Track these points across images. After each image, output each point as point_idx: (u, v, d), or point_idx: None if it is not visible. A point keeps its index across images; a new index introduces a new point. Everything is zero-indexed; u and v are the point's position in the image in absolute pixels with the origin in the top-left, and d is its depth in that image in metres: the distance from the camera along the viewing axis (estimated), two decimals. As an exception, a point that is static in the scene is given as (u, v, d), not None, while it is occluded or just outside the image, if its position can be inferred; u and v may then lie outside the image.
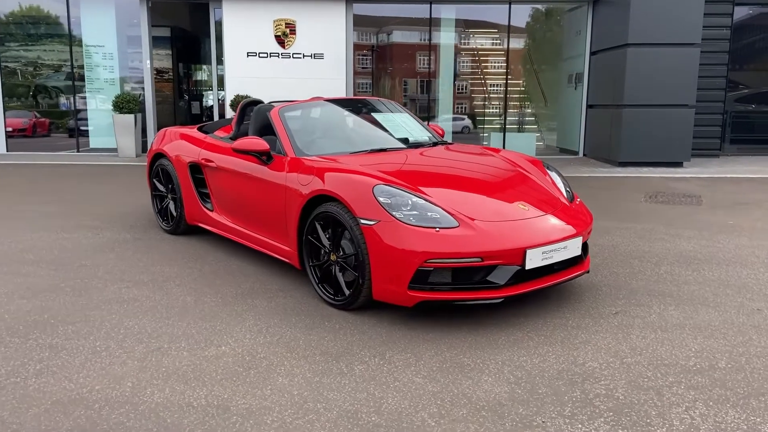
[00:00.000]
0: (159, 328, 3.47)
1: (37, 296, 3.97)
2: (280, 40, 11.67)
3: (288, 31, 11.67)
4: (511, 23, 13.00)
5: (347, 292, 3.67)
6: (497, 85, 15.14)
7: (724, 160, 11.92)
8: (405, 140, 4.77)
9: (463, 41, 14.58)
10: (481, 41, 14.99)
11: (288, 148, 4.28)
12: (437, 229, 3.33)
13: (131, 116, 11.35)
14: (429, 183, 3.77)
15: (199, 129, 5.61)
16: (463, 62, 14.78)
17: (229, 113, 11.65)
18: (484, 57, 15.23)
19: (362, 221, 3.46)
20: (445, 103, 13.99)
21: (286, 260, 4.24)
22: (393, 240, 3.34)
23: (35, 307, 3.78)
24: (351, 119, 4.94)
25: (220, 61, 12.18)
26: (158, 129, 10.97)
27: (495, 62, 15.04)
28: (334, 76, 11.80)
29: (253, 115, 5.09)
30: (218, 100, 13.50)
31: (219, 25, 11.93)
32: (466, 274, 3.36)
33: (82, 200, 7.27)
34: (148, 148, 5.94)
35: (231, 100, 11.41)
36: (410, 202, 3.45)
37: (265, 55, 11.69)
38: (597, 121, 11.99)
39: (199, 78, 26.27)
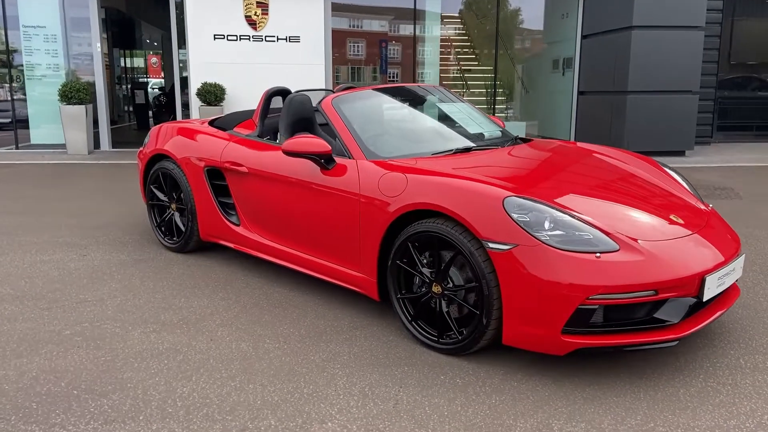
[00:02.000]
0: (227, 396, 2.64)
1: (38, 351, 3.04)
2: (251, 21, 10.66)
3: (260, 11, 10.66)
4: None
5: (460, 334, 2.93)
6: (471, 72, 14.61)
7: (718, 148, 11.76)
8: (480, 136, 4.03)
9: (427, 30, 13.90)
10: (450, 28, 14.37)
11: (355, 149, 3.48)
12: (597, 254, 2.64)
13: (82, 107, 10.11)
14: (552, 192, 3.06)
15: (212, 124, 4.70)
16: (439, 51, 14.11)
17: (195, 103, 10.59)
18: (456, 44, 14.63)
19: (491, 245, 2.72)
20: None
21: (356, 289, 3.46)
22: (539, 270, 2.62)
23: (42, 369, 2.86)
24: (415, 112, 4.16)
25: (180, 44, 11.05)
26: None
27: (466, 49, 14.49)
28: (312, 61, 10.90)
29: (285, 107, 4.24)
30: (177, 89, 12.34)
31: (180, 4, 10.79)
32: (623, 311, 2.68)
33: (46, 209, 6.18)
34: (142, 147, 4.97)
35: (197, 89, 10.33)
36: (552, 219, 2.74)
37: (235, 37, 10.66)
38: (590, 108, 11.58)
39: (138, 65, 24.65)
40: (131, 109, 18.32)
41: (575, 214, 2.80)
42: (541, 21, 14.06)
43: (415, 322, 3.14)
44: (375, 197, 3.22)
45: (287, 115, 4.23)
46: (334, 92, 4.91)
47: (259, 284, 4.02)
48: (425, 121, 4.06)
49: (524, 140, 4.16)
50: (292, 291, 3.90)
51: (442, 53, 13.83)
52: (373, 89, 4.09)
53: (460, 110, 4.27)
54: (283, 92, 4.57)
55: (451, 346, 2.98)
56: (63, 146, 10.48)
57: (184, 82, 17.43)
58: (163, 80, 24.34)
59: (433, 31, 13.44)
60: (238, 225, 4.20)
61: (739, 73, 13.63)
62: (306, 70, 10.83)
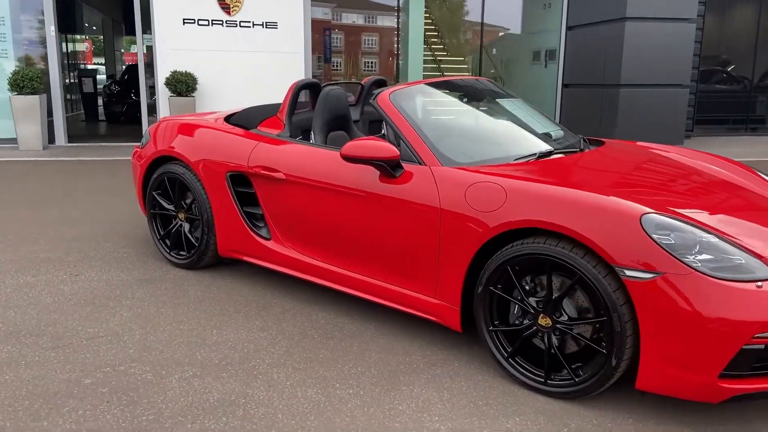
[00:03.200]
0: (321, 468, 2.14)
1: (58, 410, 2.46)
2: (225, 5, 9.94)
3: (233, -6, 9.97)
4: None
5: (576, 375, 2.51)
6: (443, 63, 14.22)
7: (699, 142, 11.75)
8: (547, 136, 3.61)
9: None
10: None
11: (426, 154, 3.00)
12: (759, 284, 2.25)
13: (35, 98, 9.21)
14: (679, 206, 2.67)
15: (228, 121, 4.12)
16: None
17: (164, 94, 9.82)
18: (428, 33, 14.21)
19: (627, 273, 2.30)
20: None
21: (429, 317, 2.99)
22: (693, 303, 2.23)
23: (72, 437, 2.28)
24: (478, 110, 3.69)
25: (144, 29, 10.23)
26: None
27: (434, 39, 14.08)
28: (291, 50, 10.28)
29: (321, 102, 3.72)
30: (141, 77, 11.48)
31: (143, -16, 9.98)
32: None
33: (12, 218, 5.44)
34: (142, 147, 4.34)
35: (166, 78, 9.57)
36: (699, 241, 2.34)
37: (206, 22, 9.92)
38: (576, 102, 11.38)
39: (81, 49, 23.18)
40: (79, 98, 17.14)
41: (720, 234, 2.41)
42: (519, 10, 13.78)
43: (513, 359, 2.70)
44: (462, 212, 2.75)
45: (323, 111, 3.71)
46: (362, 85, 4.41)
47: (298, 309, 3.50)
48: (493, 120, 3.61)
49: (594, 141, 3.76)
50: (340, 317, 3.40)
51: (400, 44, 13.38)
52: (426, 83, 3.60)
53: (517, 106, 3.83)
54: (312, 85, 4.03)
55: (563, 389, 2.55)
56: (14, 141, 9.54)
57: (131, 71, 16.48)
58: (101, 68, 23.07)
59: (391, 21, 12.98)
60: (268, 239, 3.65)
61: (714, 66, 13.70)
62: (286, 59, 10.21)
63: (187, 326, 3.25)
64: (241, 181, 3.73)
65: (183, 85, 9.44)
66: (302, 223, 3.43)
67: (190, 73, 9.57)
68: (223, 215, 3.79)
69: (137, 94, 15.64)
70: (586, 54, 10.99)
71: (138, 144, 4.56)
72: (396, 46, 12.37)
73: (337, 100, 3.82)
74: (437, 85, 3.64)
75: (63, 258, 4.31)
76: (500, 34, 14.80)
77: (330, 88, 3.82)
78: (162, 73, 9.78)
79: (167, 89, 9.65)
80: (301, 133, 3.92)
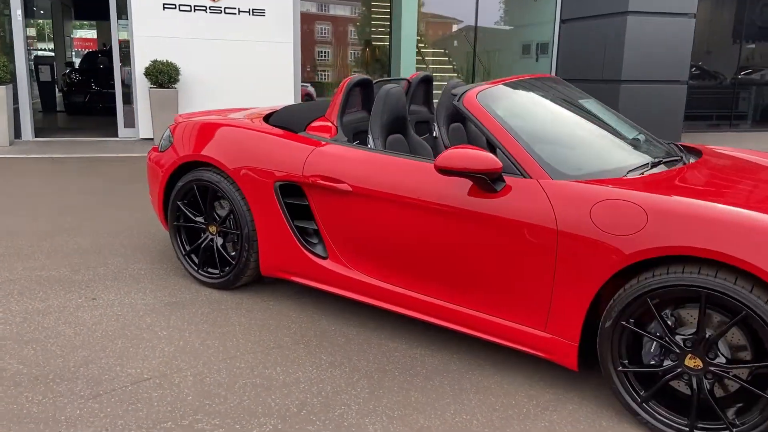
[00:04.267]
0: None
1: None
2: (208, -10, 9.34)
3: (217, -22, 9.38)
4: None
5: (733, 426, 2.19)
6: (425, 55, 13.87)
7: (689, 138, 11.73)
8: (637, 142, 3.29)
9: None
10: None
11: (531, 165, 2.63)
12: None
13: (2, 89, 8.46)
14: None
15: (267, 121, 3.67)
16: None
17: (142, 84, 9.18)
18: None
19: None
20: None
21: (535, 353, 2.64)
22: None
23: None
24: (566, 113, 3.32)
25: (120, 15, 9.54)
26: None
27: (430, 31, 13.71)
28: (279, 39, 9.75)
29: (379, 102, 3.32)
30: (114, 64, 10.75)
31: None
32: None
33: None
34: (162, 149, 3.84)
35: (146, 68, 8.93)
36: None
37: (188, 8, 9.31)
38: (571, 97, 11.17)
39: (31, 35, 21.92)
40: (34, 88, 16.11)
41: None
42: (507, 1, 13.51)
43: (646, 404, 2.37)
44: (587, 235, 2.39)
45: (382, 112, 3.31)
46: (408, 81, 4.02)
47: (364, 338, 3.10)
48: (585, 124, 3.25)
49: (688, 149, 3.46)
50: (415, 347, 3.01)
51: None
52: (503, 84, 3.20)
53: (598, 107, 3.50)
54: (365, 83, 3.61)
55: (716, 439, 2.23)
56: (-24, 135, 8.75)
57: (90, 59, 15.59)
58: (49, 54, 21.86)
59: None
60: (324, 257, 3.23)
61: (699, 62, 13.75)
62: (273, 49, 9.68)
63: (244, 362, 2.82)
64: (290, 192, 3.30)
65: (165, 75, 8.82)
66: (371, 241, 3.02)
67: (171, 63, 8.96)
68: (269, 230, 3.35)
69: (98, 83, 14.88)
70: (582, 48, 10.79)
71: (142, 144, 4.06)
72: (389, 38, 11.94)
73: (397, 100, 3.42)
74: (515, 85, 3.27)
75: (70, 277, 3.79)
76: (488, 26, 14.53)
77: (390, 86, 3.41)
78: (140, 62, 9.13)
79: (147, 80, 9.00)
80: (353, 136, 3.51)
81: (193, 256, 3.75)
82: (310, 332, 3.15)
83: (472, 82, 13.67)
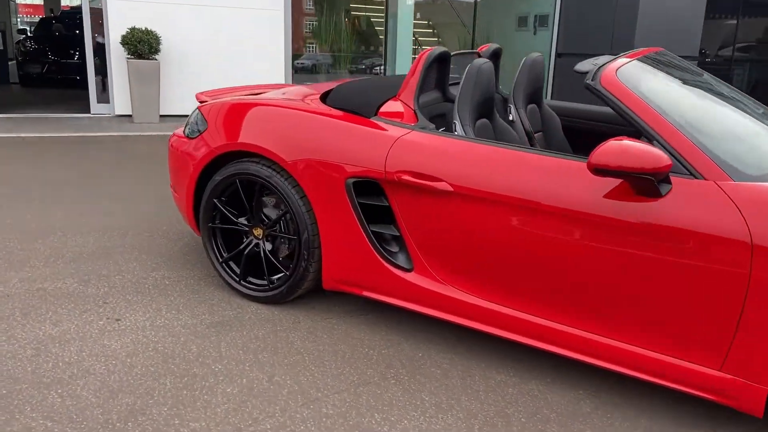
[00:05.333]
0: None
1: None
2: (190, -50, 8.52)
3: (200, -63, 8.55)
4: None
5: None
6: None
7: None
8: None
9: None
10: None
11: (704, 162, 2.15)
12: None
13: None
14: None
15: (325, 100, 3.09)
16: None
17: (118, 54, 8.36)
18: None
19: None
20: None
21: (705, 396, 2.18)
22: None
23: None
24: (707, 97, 2.81)
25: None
26: None
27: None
28: (268, 5, 9.01)
29: (468, 80, 2.80)
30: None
31: None
32: None
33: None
34: (191, 135, 3.23)
35: (123, 36, 8.10)
36: None
37: (169, -30, 8.48)
38: (573, 73, 10.74)
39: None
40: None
41: None
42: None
43: None
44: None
45: (472, 93, 2.78)
46: (478, 54, 3.48)
47: (465, 369, 2.60)
48: (730, 110, 2.76)
49: None
50: (528, 381, 2.53)
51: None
52: (635, 58, 2.67)
53: (728, 89, 3.02)
54: (443, 57, 3.05)
55: None
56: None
57: (45, 26, 14.44)
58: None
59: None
60: (408, 270, 2.70)
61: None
62: (262, 17, 8.93)
63: (332, 407, 2.28)
64: (364, 190, 2.74)
65: (145, 45, 8.02)
66: (477, 252, 2.50)
67: (152, 31, 8.15)
68: (336, 235, 2.79)
69: (56, 53, 13.80)
70: (588, 21, 10.33)
71: (175, 129, 3.43)
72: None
73: (489, 78, 2.89)
74: (645, 61, 2.75)
75: (81, 290, 3.16)
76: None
77: (481, 61, 2.87)
78: (115, 30, 8.30)
79: (124, 50, 8.19)
80: (430, 121, 2.96)
81: (232, 263, 3.17)
82: (396, 362, 2.62)
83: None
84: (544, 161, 2.35)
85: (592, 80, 2.34)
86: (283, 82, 9.31)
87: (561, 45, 11.02)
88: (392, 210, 2.69)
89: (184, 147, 3.22)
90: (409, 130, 2.68)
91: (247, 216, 3.09)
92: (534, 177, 2.33)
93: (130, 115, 8.59)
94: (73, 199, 4.73)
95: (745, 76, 13.59)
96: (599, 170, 2.08)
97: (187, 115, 8.90)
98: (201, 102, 3.57)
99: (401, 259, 2.73)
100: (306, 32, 11.10)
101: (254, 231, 3.07)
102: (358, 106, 2.91)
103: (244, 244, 3.11)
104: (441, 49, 2.98)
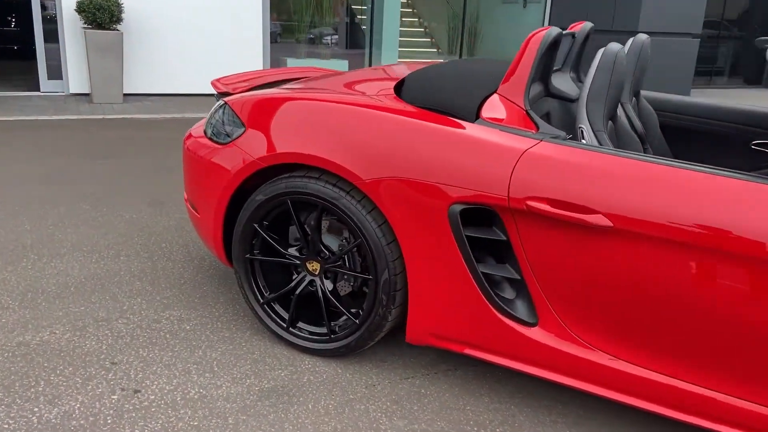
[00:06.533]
0: None
1: None
2: None
3: None
4: None
5: None
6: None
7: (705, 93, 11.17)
8: None
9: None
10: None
11: None
12: None
13: None
14: None
15: (399, 92, 2.42)
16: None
17: (73, 24, 7.39)
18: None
19: None
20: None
21: None
22: None
23: None
24: None
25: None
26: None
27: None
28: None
29: (605, 70, 2.22)
30: None
31: None
32: None
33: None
34: (218, 139, 2.51)
35: (78, 2, 7.13)
36: None
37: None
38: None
39: None
40: None
41: None
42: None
43: None
44: None
45: (609, 87, 2.17)
46: (572, 36, 2.87)
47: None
48: None
49: None
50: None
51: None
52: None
53: None
54: (557, 39, 2.41)
55: None
56: None
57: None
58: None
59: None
60: (532, 324, 2.09)
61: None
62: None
63: None
64: (471, 219, 2.11)
65: (105, 13, 7.07)
66: (640, 307, 1.90)
67: (114, -4, 7.20)
68: (432, 275, 2.16)
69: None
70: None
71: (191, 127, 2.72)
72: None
73: (624, 70, 2.27)
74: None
75: (78, 345, 2.44)
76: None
77: (615, 48, 2.25)
78: (69, -5, 7.31)
79: (80, 18, 7.23)
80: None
81: (276, 305, 2.50)
82: (523, 447, 2.02)
83: (459, 32, 12.40)
84: (741, 186, 1.76)
85: None
86: (260, 52, 8.46)
87: (554, 20, 10.48)
88: (512, 246, 2.06)
89: (211, 155, 2.50)
90: (536, 140, 2.04)
91: (300, 246, 2.42)
92: (730, 208, 1.74)
93: (87, 94, 7.66)
94: (40, 204, 3.93)
95: None
96: None
97: (155, 95, 8.01)
98: (220, 92, 2.85)
99: (520, 310, 2.12)
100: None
101: (309, 265, 2.40)
102: (454, 104, 2.25)
103: (295, 281, 2.44)
104: (556, 30, 2.34)
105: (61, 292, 2.83)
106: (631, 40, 2.92)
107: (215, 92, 2.93)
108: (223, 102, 2.59)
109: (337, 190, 2.22)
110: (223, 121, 2.54)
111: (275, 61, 9.08)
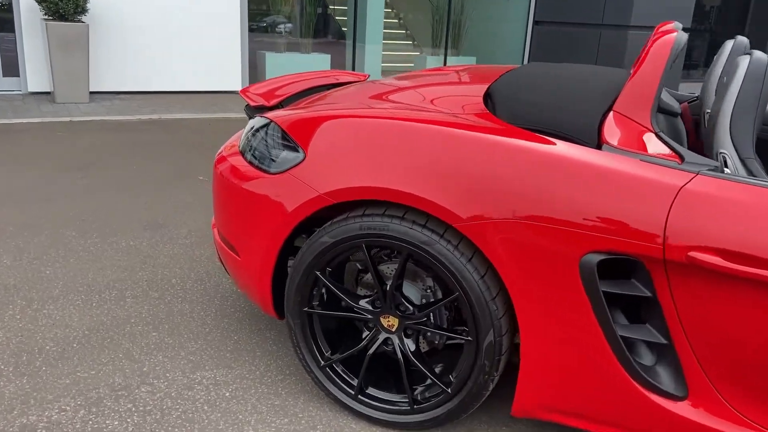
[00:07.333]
0: None
1: None
2: None
3: None
4: None
5: None
6: None
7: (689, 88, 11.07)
8: None
9: None
10: None
11: None
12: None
13: None
14: None
15: (490, 104, 2.02)
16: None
17: (30, 13, 6.72)
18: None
19: None
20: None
21: None
22: None
23: None
24: None
25: None
26: None
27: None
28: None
29: (759, 81, 1.83)
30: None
31: None
32: None
33: None
34: (261, 164, 2.06)
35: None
36: None
37: None
38: (554, 43, 9.99)
39: None
40: None
41: None
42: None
43: None
44: None
45: (756, 109, 1.82)
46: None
47: None
48: None
49: None
50: None
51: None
52: None
53: None
54: (680, 38, 2.02)
55: None
56: None
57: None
58: None
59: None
60: (680, 398, 1.72)
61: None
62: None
63: None
64: (607, 271, 1.73)
65: (69, 3, 6.43)
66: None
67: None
68: (555, 339, 1.77)
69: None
70: (572, -15, 9.54)
71: (225, 148, 2.26)
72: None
73: None
74: None
75: (98, 427, 1.97)
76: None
77: (762, 58, 1.88)
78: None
79: (40, 8, 6.57)
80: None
81: (339, 367, 2.07)
82: None
83: (444, 30, 11.94)
84: None
85: None
86: (239, 46, 7.91)
87: (539, 12, 10.19)
88: (658, 304, 1.68)
89: (258, 186, 2.04)
90: (692, 174, 1.66)
91: (373, 298, 2.00)
92: None
93: (49, 93, 7.00)
94: (16, 230, 3.38)
95: None
96: None
97: (124, 93, 7.38)
98: (256, 105, 2.39)
99: (664, 380, 1.74)
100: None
101: (384, 321, 1.98)
102: (573, 125, 1.86)
103: (366, 338, 2.01)
104: (683, 35, 1.95)
105: (63, 350, 2.33)
106: (730, 42, 2.56)
107: (246, 103, 2.47)
108: (267, 120, 2.13)
109: (428, 233, 1.80)
110: (267, 144, 2.09)
111: (253, 54, 8.54)
